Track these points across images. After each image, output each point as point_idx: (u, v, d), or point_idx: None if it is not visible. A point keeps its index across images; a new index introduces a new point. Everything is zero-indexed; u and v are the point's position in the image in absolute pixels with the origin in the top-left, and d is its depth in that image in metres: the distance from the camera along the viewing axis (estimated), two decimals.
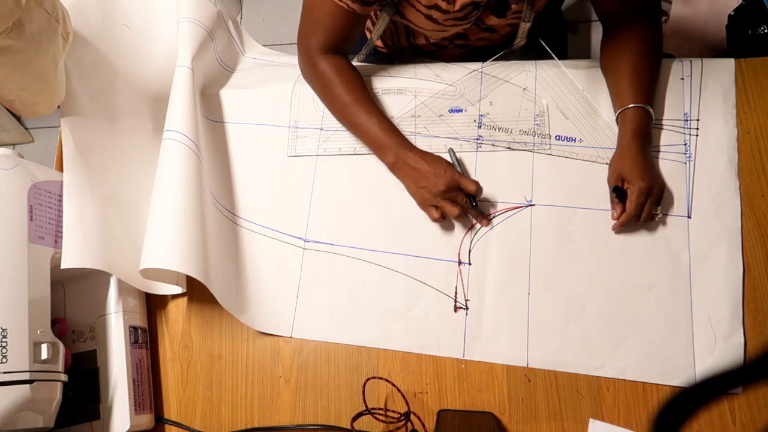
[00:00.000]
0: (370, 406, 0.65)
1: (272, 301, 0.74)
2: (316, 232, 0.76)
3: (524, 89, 0.78)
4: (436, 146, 0.77)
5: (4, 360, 0.56)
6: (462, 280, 0.71)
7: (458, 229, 0.73)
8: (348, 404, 0.70)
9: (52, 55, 0.64)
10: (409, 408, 0.65)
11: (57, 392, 0.61)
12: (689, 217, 0.70)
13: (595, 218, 0.71)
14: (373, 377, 0.68)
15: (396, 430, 0.65)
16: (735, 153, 0.71)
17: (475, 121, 0.77)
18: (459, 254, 0.72)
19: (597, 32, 1.57)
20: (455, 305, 0.71)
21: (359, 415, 0.64)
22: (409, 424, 0.64)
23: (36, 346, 0.59)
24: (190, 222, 0.68)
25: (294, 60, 0.91)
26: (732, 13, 0.96)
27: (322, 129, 0.81)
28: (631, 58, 0.71)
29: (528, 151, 0.75)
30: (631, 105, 0.70)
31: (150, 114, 0.81)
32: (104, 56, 0.78)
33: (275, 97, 0.84)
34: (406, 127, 0.78)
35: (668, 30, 1.11)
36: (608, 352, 0.67)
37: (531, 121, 0.76)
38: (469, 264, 0.72)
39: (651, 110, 0.70)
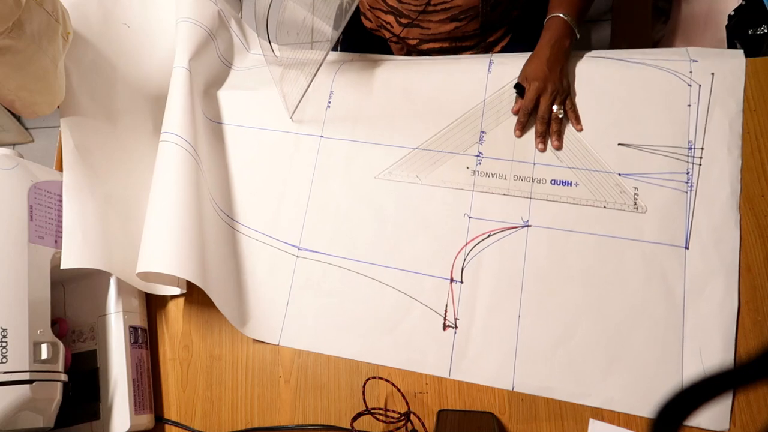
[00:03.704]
0: (370, 406, 0.65)
1: (262, 307, 0.74)
2: (310, 241, 0.76)
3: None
4: (440, 195, 0.75)
5: (4, 360, 0.56)
6: (453, 298, 0.70)
7: (452, 245, 0.72)
8: (348, 404, 0.70)
9: (52, 55, 0.64)
10: (409, 408, 0.65)
11: (57, 392, 0.61)
12: (687, 248, 0.68)
13: (591, 243, 0.70)
14: (373, 377, 0.68)
15: (396, 430, 0.65)
16: (738, 185, 0.70)
17: (468, 168, 0.76)
18: (452, 272, 0.71)
19: (597, 32, 1.57)
20: (444, 323, 0.70)
21: (359, 415, 0.64)
22: (409, 424, 0.64)
23: (36, 346, 0.59)
24: (186, 225, 0.68)
25: None
26: (732, 13, 0.96)
27: (322, 137, 0.80)
28: None
29: (525, 197, 0.73)
30: (555, 14, 0.74)
31: (150, 114, 0.81)
32: (104, 56, 0.78)
33: (277, 101, 0.83)
34: (405, 177, 0.76)
35: (668, 30, 1.11)
36: (595, 381, 0.65)
37: (529, 165, 0.74)
38: (461, 282, 0.71)
39: (573, 25, 0.75)
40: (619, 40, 1.13)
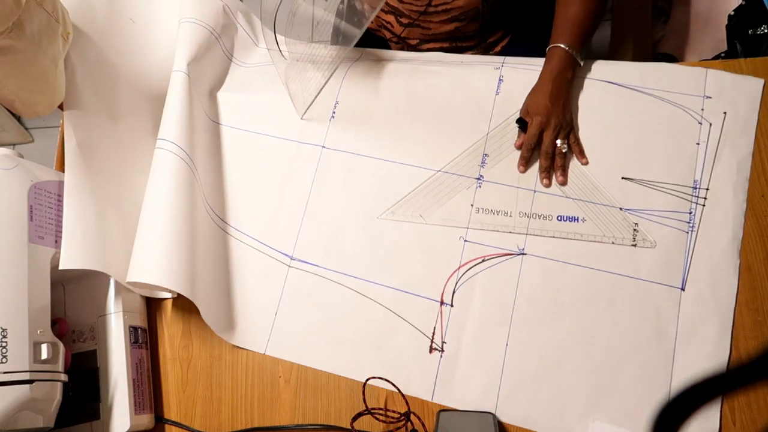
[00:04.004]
0: (370, 406, 0.65)
1: (250, 315, 0.73)
2: (304, 251, 0.75)
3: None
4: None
5: (4, 360, 0.56)
6: (441, 321, 0.70)
7: (445, 268, 0.72)
8: (348, 404, 0.70)
9: (52, 55, 0.64)
10: (409, 408, 0.65)
11: (57, 392, 0.61)
12: (683, 289, 0.67)
13: (586, 276, 0.69)
14: (374, 377, 0.68)
15: (396, 430, 0.65)
16: (740, 229, 0.68)
17: (472, 205, 0.74)
18: (442, 294, 0.71)
19: (597, 32, 1.57)
20: (431, 346, 0.69)
21: (359, 415, 0.64)
22: (409, 424, 0.64)
23: (36, 346, 0.59)
24: (177, 235, 0.67)
25: None
26: (732, 13, 0.96)
27: (324, 147, 0.80)
28: (577, 5, 0.75)
29: (521, 234, 0.71)
30: (557, 45, 0.74)
31: (150, 113, 0.81)
32: (109, 51, 0.77)
33: (281, 107, 0.82)
34: (408, 216, 0.75)
35: (668, 30, 1.11)
36: (578, 418, 0.64)
37: (530, 192, 0.73)
38: (451, 305, 0.70)
39: (576, 55, 0.73)
40: (619, 40, 1.13)
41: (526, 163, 0.74)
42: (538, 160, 0.74)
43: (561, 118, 0.72)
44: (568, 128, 0.73)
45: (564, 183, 0.73)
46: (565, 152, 0.73)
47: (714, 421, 0.62)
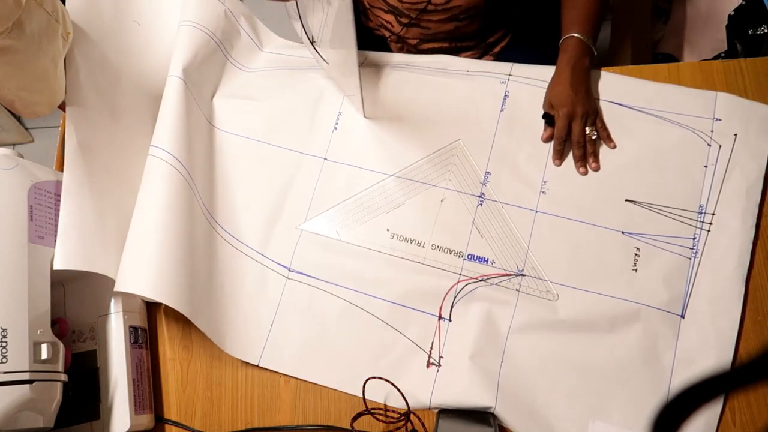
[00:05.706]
0: (370, 406, 0.65)
1: (245, 325, 0.72)
2: (302, 263, 0.74)
3: (442, 200, 0.75)
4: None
5: (4, 360, 0.56)
6: (439, 336, 0.69)
7: (444, 282, 0.71)
8: (348, 404, 0.70)
9: (52, 55, 0.64)
10: (409, 408, 0.65)
11: (57, 392, 0.61)
12: (682, 316, 0.66)
13: (585, 299, 0.68)
14: (374, 377, 0.68)
15: (396, 430, 0.65)
16: (747, 257, 0.66)
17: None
18: (441, 309, 0.70)
19: None
20: (428, 360, 0.69)
21: (359, 415, 0.64)
22: (409, 424, 0.64)
23: (36, 346, 0.59)
24: (166, 244, 0.67)
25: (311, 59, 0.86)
26: (732, 13, 0.96)
27: (326, 159, 0.79)
28: None
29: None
30: (571, 35, 0.74)
31: (152, 115, 0.81)
32: (113, 52, 0.77)
33: (284, 115, 0.82)
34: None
35: (668, 30, 1.11)
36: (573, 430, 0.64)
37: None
38: (449, 320, 0.70)
39: (590, 43, 0.74)
40: (619, 40, 1.13)
41: (561, 156, 0.74)
42: (571, 151, 0.74)
43: (586, 105, 0.72)
44: (594, 114, 0.73)
45: (597, 169, 0.73)
46: (595, 138, 0.73)
47: (714, 421, 0.62)
